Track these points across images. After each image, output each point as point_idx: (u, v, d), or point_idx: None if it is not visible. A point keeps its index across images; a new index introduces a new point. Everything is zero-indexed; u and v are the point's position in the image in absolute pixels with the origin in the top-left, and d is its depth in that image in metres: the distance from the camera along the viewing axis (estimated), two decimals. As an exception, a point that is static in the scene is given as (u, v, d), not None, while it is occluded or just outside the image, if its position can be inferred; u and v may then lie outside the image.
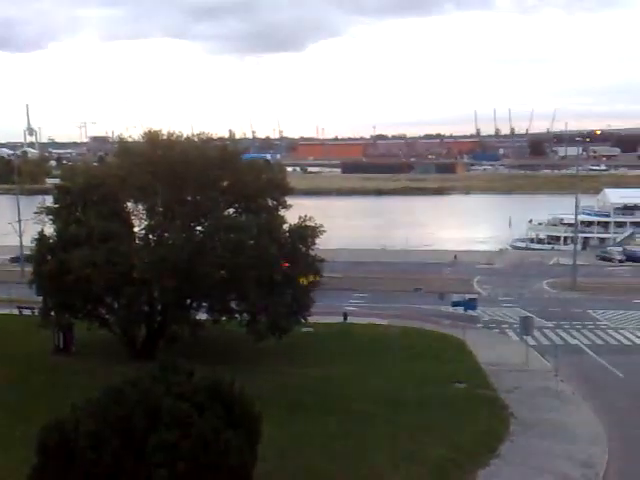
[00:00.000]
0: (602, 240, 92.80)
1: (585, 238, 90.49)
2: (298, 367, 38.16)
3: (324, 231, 41.72)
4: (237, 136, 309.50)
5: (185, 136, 42.02)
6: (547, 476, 25.51)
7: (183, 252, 35.76)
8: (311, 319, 41.98)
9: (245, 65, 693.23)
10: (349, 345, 43.61)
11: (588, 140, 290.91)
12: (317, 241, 41.42)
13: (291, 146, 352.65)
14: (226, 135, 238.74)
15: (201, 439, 18.28)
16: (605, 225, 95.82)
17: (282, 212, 41.54)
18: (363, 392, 33.92)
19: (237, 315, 39.47)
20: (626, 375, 38.81)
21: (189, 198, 39.64)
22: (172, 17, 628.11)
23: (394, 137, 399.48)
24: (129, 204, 40.83)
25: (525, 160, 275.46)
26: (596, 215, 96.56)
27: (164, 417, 18.46)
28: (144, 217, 40.20)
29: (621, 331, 48.56)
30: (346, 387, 34.79)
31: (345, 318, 50.74)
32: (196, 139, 42.43)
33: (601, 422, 31.05)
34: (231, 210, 41.16)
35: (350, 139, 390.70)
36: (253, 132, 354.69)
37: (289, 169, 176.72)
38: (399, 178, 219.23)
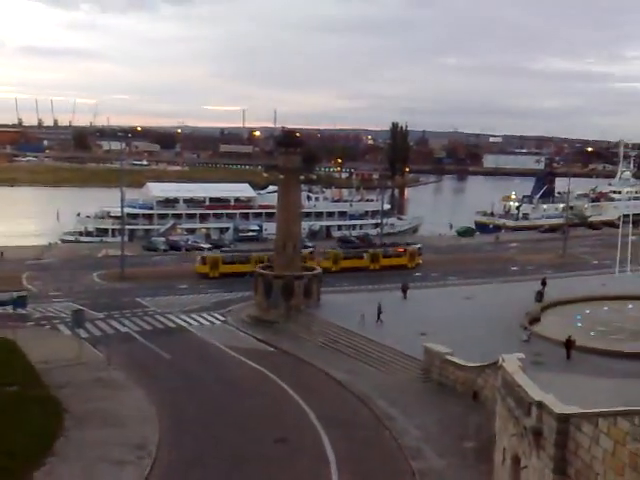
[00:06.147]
0: (147, 231, 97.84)
1: (131, 230, 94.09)
2: None
3: None
4: None
5: None
6: (103, 465, 26.33)
7: None
8: None
9: None
10: None
11: (130, 136, 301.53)
12: None
13: None
14: None
15: None
16: (149, 217, 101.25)
17: None
18: None
19: None
20: (172, 356, 42.34)
21: None
22: None
23: None
24: None
25: (70, 153, 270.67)
26: (141, 208, 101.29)
27: None
28: None
29: (167, 315, 52.35)
30: None
31: None
32: None
33: (152, 404, 33.31)
34: None
35: None
36: None
37: None
38: None
